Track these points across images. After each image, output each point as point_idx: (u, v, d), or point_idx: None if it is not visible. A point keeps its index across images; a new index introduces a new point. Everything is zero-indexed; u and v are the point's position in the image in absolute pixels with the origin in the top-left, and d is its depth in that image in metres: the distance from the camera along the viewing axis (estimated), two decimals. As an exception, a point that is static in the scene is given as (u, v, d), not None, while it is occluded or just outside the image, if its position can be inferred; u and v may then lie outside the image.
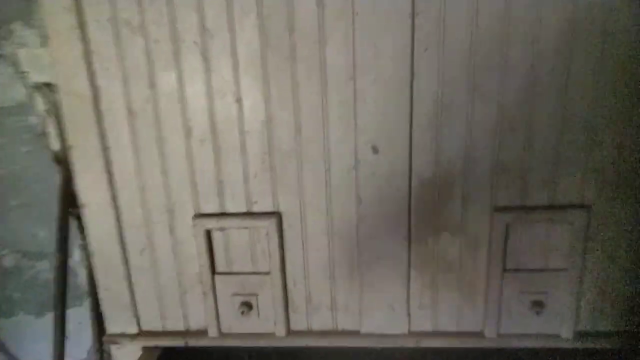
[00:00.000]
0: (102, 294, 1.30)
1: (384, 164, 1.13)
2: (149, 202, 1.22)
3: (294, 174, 1.16)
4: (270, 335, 1.29)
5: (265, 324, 1.29)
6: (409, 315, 1.25)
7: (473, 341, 1.24)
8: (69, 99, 1.14)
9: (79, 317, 2.03)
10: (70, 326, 2.09)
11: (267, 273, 1.24)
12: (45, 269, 1.98)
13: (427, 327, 1.27)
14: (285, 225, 1.20)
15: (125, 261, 1.27)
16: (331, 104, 1.10)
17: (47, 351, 1.75)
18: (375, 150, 1.13)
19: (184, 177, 1.19)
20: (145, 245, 1.26)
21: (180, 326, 1.32)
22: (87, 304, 1.90)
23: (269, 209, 1.20)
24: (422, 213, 1.17)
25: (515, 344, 1.24)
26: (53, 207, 1.52)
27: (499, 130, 1.09)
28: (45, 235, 1.91)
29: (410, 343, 1.26)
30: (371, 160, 1.13)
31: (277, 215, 1.19)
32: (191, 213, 1.21)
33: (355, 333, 1.28)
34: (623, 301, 1.19)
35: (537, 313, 1.20)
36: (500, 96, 1.07)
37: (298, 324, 1.30)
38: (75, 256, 1.89)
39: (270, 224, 1.18)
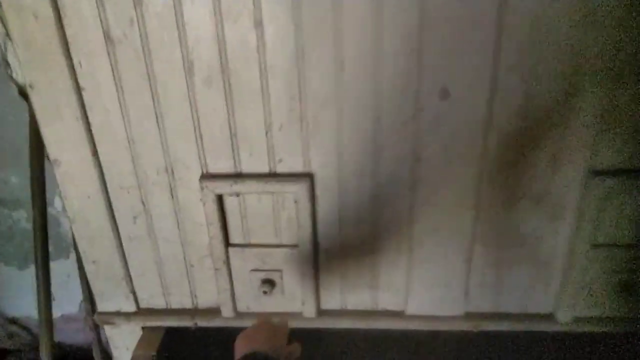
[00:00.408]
0: (89, 267, 1.06)
1: (454, 113, 0.85)
2: (141, 159, 0.94)
3: (331, 125, 0.88)
4: (297, 315, 1.08)
5: (291, 303, 1.07)
6: (466, 294, 1.03)
7: (542, 325, 1.04)
8: (20, 18, 0.82)
9: (66, 270, 1.83)
10: (57, 280, 1.89)
11: (295, 246, 0.99)
12: (23, 218, 1.74)
13: (487, 308, 1.05)
14: (318, 190, 0.94)
15: (115, 230, 1.02)
16: (387, 32, 0.79)
17: (34, 305, 1.56)
18: (444, 94, 0.83)
19: (185, 127, 0.90)
20: (140, 211, 0.99)
21: (187, 303, 1.10)
22: (73, 255, 1.69)
23: (299, 169, 0.92)
24: (497, 176, 0.90)
25: (590, 328, 1.03)
26: (25, 149, 1.24)
27: (614, 69, 0.80)
28: (19, 181, 1.64)
29: (466, 326, 1.05)
30: (437, 108, 0.84)
31: (308, 177, 0.92)
32: (197, 173, 0.94)
33: (399, 314, 1.07)
34: None
35: (625, 294, 0.98)
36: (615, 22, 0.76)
37: (330, 302, 1.08)
38: (57, 204, 1.64)
39: (299, 189, 0.92)
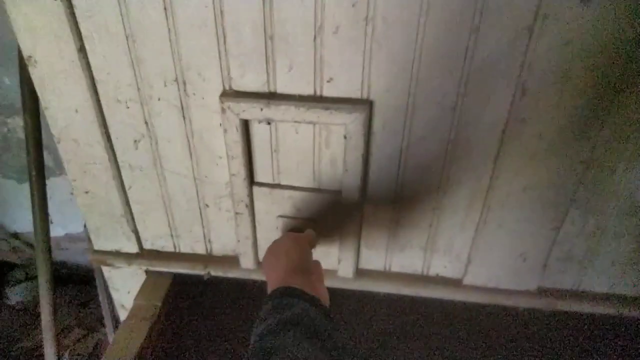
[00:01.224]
0: (81, 199, 0.87)
1: (594, 22, 0.59)
2: (144, 64, 0.70)
3: (408, 32, 0.62)
4: (331, 273, 0.88)
5: (325, 259, 0.87)
6: (544, 267, 0.83)
7: (630, 309, 0.84)
8: None
9: (70, 187, 1.65)
10: (61, 197, 1.73)
11: (337, 192, 0.78)
12: (19, 126, 1.53)
13: (566, 284, 0.85)
14: (377, 124, 0.71)
15: (112, 155, 0.81)
16: None
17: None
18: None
19: (203, 22, 0.65)
20: (142, 133, 0.77)
21: (199, 249, 0.91)
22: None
23: (354, 93, 0.68)
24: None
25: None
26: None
27: None
28: (14, 83, 1.42)
29: (537, 303, 0.85)
30: (569, 16, 0.58)
31: (366, 105, 0.68)
32: (217, 89, 0.71)
33: (455, 282, 0.87)
34: None
35: None
36: None
37: (372, 262, 0.88)
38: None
39: (352, 121, 0.68)
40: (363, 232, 0.83)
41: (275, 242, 0.72)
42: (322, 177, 0.78)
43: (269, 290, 0.60)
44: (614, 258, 0.81)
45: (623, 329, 0.84)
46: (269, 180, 0.80)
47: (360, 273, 0.89)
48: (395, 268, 0.88)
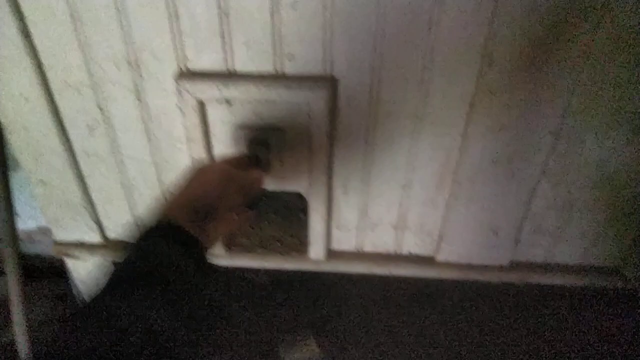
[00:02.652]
0: (36, 189, 0.83)
1: (554, -7, 0.57)
2: (93, 45, 0.66)
3: (370, 4, 0.60)
4: (302, 256, 0.87)
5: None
6: (517, 241, 0.82)
7: (603, 280, 0.84)
8: None
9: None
10: (32, 189, 1.66)
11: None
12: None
13: (539, 258, 0.85)
14: (342, 101, 0.68)
15: (67, 143, 0.77)
16: None
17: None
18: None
19: (151, 3, 0.61)
20: (97, 119, 0.74)
21: (166, 236, 0.88)
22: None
23: (316, 70, 0.66)
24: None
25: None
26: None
27: None
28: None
29: (511, 278, 0.85)
30: (530, -15, 0.56)
31: (329, 82, 0.65)
32: (172, 69, 0.67)
33: (427, 260, 0.87)
34: None
35: None
36: None
37: (343, 243, 0.87)
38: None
39: (316, 99, 0.66)
40: (333, 212, 0.81)
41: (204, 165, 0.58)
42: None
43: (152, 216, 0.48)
44: (584, 230, 0.81)
45: (595, 300, 0.84)
46: (234, 164, 0.77)
47: (331, 254, 0.87)
48: (367, 248, 0.87)
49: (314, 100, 0.66)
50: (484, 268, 0.85)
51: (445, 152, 0.72)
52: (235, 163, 0.60)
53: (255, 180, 0.60)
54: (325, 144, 0.70)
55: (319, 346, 0.91)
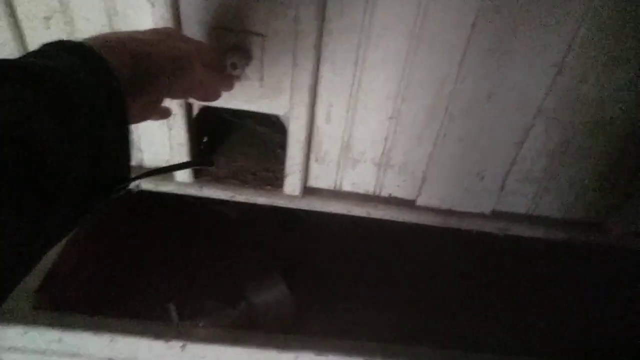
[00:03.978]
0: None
1: None
2: None
3: None
4: (277, 192, 0.81)
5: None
6: (502, 188, 0.78)
7: (586, 235, 0.82)
8: None
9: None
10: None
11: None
12: None
13: (522, 208, 0.82)
14: (333, 10, 0.61)
15: (18, 36, 0.67)
16: None
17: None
18: None
19: None
20: (54, 9, 0.65)
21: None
22: None
23: (308, -33, 0.59)
24: None
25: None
26: None
27: None
28: None
29: (492, 227, 0.82)
30: None
31: (321, -16, 0.59)
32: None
33: (407, 203, 0.82)
34: None
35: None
36: None
37: (321, 179, 0.81)
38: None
39: (305, 2, 0.59)
40: (313, 145, 0.76)
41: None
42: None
43: None
44: (572, 180, 0.77)
45: (575, 255, 0.82)
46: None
47: (308, 191, 0.82)
48: (346, 187, 0.82)
49: (303, 2, 0.59)
50: (465, 215, 0.81)
51: (439, 80, 0.67)
52: (207, 56, 0.53)
53: (221, 82, 0.55)
54: (311, 58, 0.64)
55: (289, 287, 0.86)
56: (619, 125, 0.70)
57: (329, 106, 0.71)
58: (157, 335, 0.68)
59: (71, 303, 0.78)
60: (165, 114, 0.55)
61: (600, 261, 0.81)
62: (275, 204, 0.82)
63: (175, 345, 0.68)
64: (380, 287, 0.85)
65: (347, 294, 0.86)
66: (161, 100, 0.47)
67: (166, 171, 0.48)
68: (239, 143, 0.88)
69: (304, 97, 0.67)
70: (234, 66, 0.61)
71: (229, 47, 0.63)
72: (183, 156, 0.76)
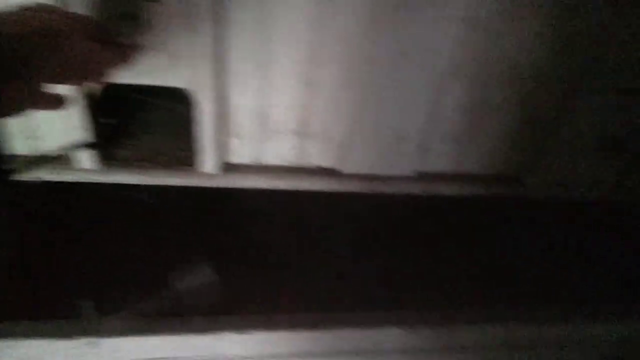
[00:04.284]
0: None
1: None
2: None
3: None
4: (191, 171, 0.76)
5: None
6: (423, 149, 0.78)
7: (506, 188, 0.84)
8: None
9: None
10: None
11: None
12: None
13: (444, 167, 0.82)
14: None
15: None
16: None
17: None
18: None
19: None
20: None
21: (25, 148, 0.73)
22: None
23: None
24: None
25: (561, 193, 0.86)
26: None
27: None
28: None
29: (417, 188, 0.82)
30: None
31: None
32: None
33: (331, 172, 0.80)
34: None
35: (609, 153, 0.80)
36: None
37: (241, 154, 0.77)
38: None
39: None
40: (228, 118, 0.71)
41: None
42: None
43: None
44: (490, 136, 0.78)
45: (501, 210, 0.84)
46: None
47: (228, 168, 0.78)
48: (268, 160, 0.79)
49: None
50: (390, 179, 0.81)
51: (350, 43, 0.64)
52: (89, 28, 0.48)
53: (111, 57, 0.51)
54: (210, 22, 0.59)
55: (215, 270, 0.83)
56: (530, 80, 0.71)
57: (239, 75, 0.66)
58: (61, 334, 0.63)
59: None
60: (56, 102, 0.48)
61: (519, 214, 0.84)
62: (191, 185, 0.77)
63: (82, 342, 0.63)
64: (312, 259, 0.84)
65: (278, 271, 0.84)
66: (41, 86, 0.42)
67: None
68: (150, 123, 0.82)
69: (207, 67, 0.63)
70: (125, 37, 0.56)
71: (117, 16, 0.57)
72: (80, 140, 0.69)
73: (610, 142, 0.79)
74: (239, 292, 0.81)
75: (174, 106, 0.78)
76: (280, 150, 0.77)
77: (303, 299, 0.76)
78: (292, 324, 0.66)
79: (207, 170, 0.76)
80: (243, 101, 0.69)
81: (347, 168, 0.79)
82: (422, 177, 0.82)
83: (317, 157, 0.79)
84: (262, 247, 0.82)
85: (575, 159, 0.81)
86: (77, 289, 0.77)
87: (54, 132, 0.70)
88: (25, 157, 0.72)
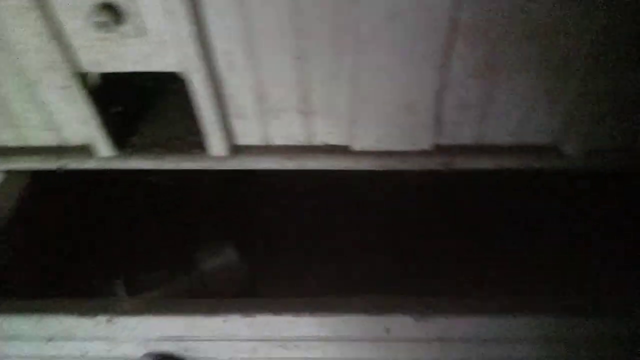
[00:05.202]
0: None
1: None
2: None
3: None
4: (203, 155, 0.77)
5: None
6: (437, 120, 0.72)
7: (539, 160, 0.75)
8: None
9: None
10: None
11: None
12: None
13: (465, 139, 0.75)
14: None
15: None
16: None
17: None
18: None
19: None
20: None
21: (49, 140, 0.79)
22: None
23: None
24: None
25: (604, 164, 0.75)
26: None
27: None
28: None
29: (435, 164, 0.76)
30: None
31: None
32: None
33: (342, 149, 0.77)
34: None
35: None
36: None
37: (248, 136, 0.77)
38: None
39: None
40: (227, 99, 0.71)
41: None
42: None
43: None
44: (515, 100, 0.70)
45: (528, 183, 0.75)
46: (96, 41, 0.65)
47: (236, 150, 0.77)
48: (276, 140, 0.77)
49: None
50: (404, 154, 0.75)
51: (335, 8, 0.60)
52: None
53: None
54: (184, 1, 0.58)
55: (237, 251, 0.84)
56: (551, 33, 0.62)
57: (227, 54, 0.65)
58: (83, 312, 0.67)
59: (16, 292, 0.77)
60: None
61: (557, 187, 0.74)
62: (203, 168, 0.78)
63: (102, 319, 0.67)
64: (331, 239, 0.82)
65: (299, 251, 0.83)
66: None
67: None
68: (165, 108, 0.84)
69: (191, 48, 0.62)
70: (105, 26, 0.57)
71: (95, 5, 0.58)
72: (93, 130, 0.73)
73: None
74: (264, 273, 0.82)
75: (180, 91, 0.79)
76: (287, 130, 0.75)
77: (316, 283, 0.74)
78: (292, 308, 0.65)
79: (215, 153, 0.76)
80: (237, 81, 0.68)
81: (358, 144, 0.75)
82: (441, 150, 0.75)
83: (325, 135, 0.76)
84: (279, 228, 0.81)
85: (622, 119, 0.69)
86: (110, 271, 0.82)
87: (70, 122, 0.74)
88: (47, 148, 0.78)
